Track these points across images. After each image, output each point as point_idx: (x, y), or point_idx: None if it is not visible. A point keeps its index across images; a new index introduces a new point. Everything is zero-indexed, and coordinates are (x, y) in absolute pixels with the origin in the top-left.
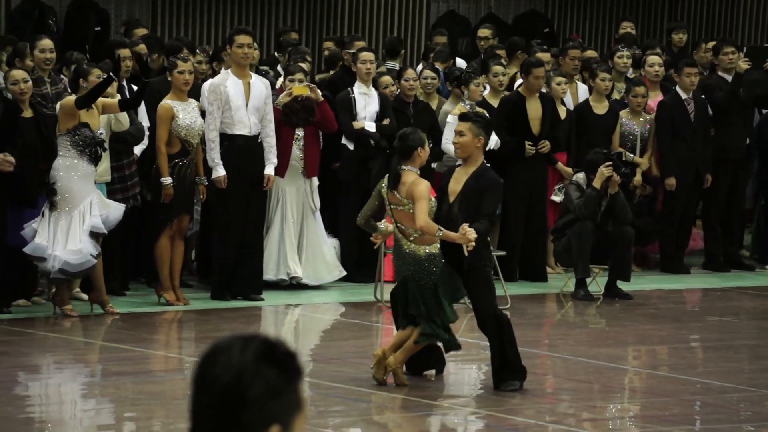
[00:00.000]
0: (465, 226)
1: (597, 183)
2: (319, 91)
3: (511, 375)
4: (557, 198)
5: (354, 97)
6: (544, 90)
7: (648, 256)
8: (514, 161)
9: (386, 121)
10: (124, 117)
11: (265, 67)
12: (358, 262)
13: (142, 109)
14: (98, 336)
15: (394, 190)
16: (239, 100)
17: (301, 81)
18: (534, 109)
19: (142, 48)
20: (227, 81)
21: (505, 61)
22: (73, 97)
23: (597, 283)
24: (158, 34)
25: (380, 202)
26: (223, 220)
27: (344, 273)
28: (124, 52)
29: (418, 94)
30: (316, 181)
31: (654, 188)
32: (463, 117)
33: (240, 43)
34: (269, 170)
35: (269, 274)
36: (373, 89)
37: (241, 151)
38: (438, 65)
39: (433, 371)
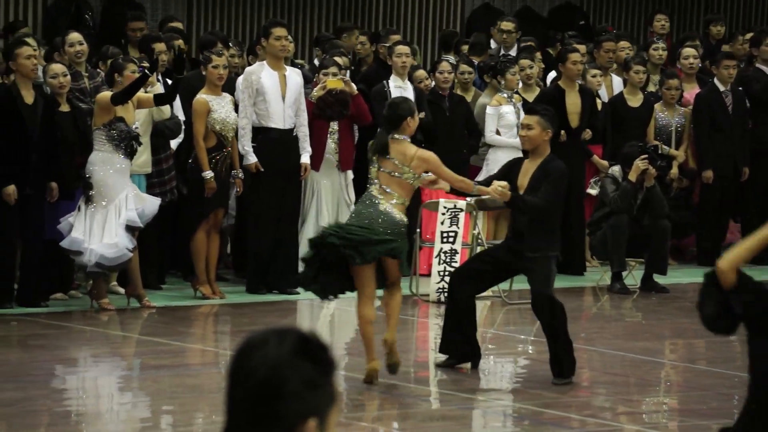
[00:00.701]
0: (498, 183)
1: (633, 176)
2: (353, 84)
3: (559, 371)
4: (593, 191)
5: (389, 91)
6: (580, 82)
7: (685, 250)
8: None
9: (421, 115)
10: (165, 106)
11: (301, 61)
12: None
13: (178, 104)
14: (135, 329)
15: (388, 156)
16: (275, 92)
17: (335, 74)
18: (573, 104)
19: (180, 43)
20: (262, 72)
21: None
22: (109, 93)
23: (633, 277)
24: (193, 28)
25: None
26: (257, 211)
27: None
28: (160, 47)
29: (456, 87)
30: (350, 174)
31: (691, 181)
32: (530, 111)
33: (278, 36)
34: (305, 159)
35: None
36: (408, 83)
37: (276, 144)
38: (474, 59)
39: (469, 364)
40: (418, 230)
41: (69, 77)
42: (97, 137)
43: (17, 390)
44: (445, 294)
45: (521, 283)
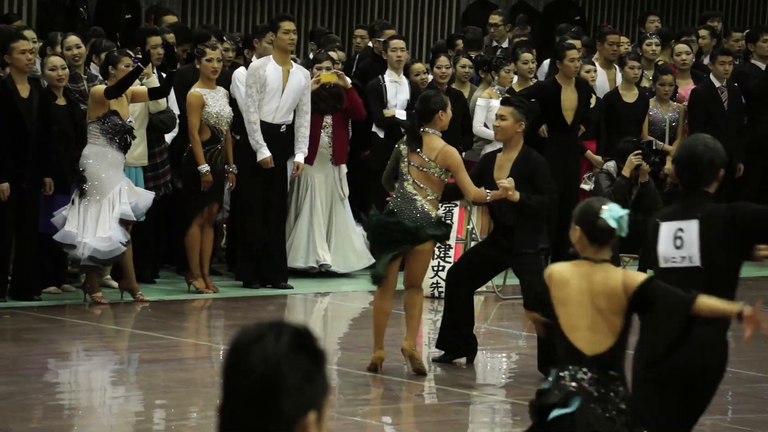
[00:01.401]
0: (505, 181)
1: (626, 171)
2: (347, 78)
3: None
4: (587, 186)
5: (385, 85)
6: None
7: None
8: (546, 150)
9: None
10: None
11: (292, 56)
12: None
13: (172, 97)
14: (128, 323)
15: (418, 150)
16: (275, 87)
17: (328, 68)
18: (568, 100)
19: (170, 37)
20: (267, 65)
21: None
22: (102, 87)
23: None
24: (188, 22)
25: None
26: (243, 203)
27: (373, 261)
28: (155, 40)
29: (455, 82)
30: (344, 168)
31: None
32: (505, 101)
33: (286, 29)
34: (299, 158)
35: (298, 261)
36: (403, 77)
37: (264, 137)
38: (470, 53)
39: (464, 359)
40: None
41: (67, 70)
42: (91, 130)
43: (10, 384)
44: (439, 289)
45: (515, 279)
